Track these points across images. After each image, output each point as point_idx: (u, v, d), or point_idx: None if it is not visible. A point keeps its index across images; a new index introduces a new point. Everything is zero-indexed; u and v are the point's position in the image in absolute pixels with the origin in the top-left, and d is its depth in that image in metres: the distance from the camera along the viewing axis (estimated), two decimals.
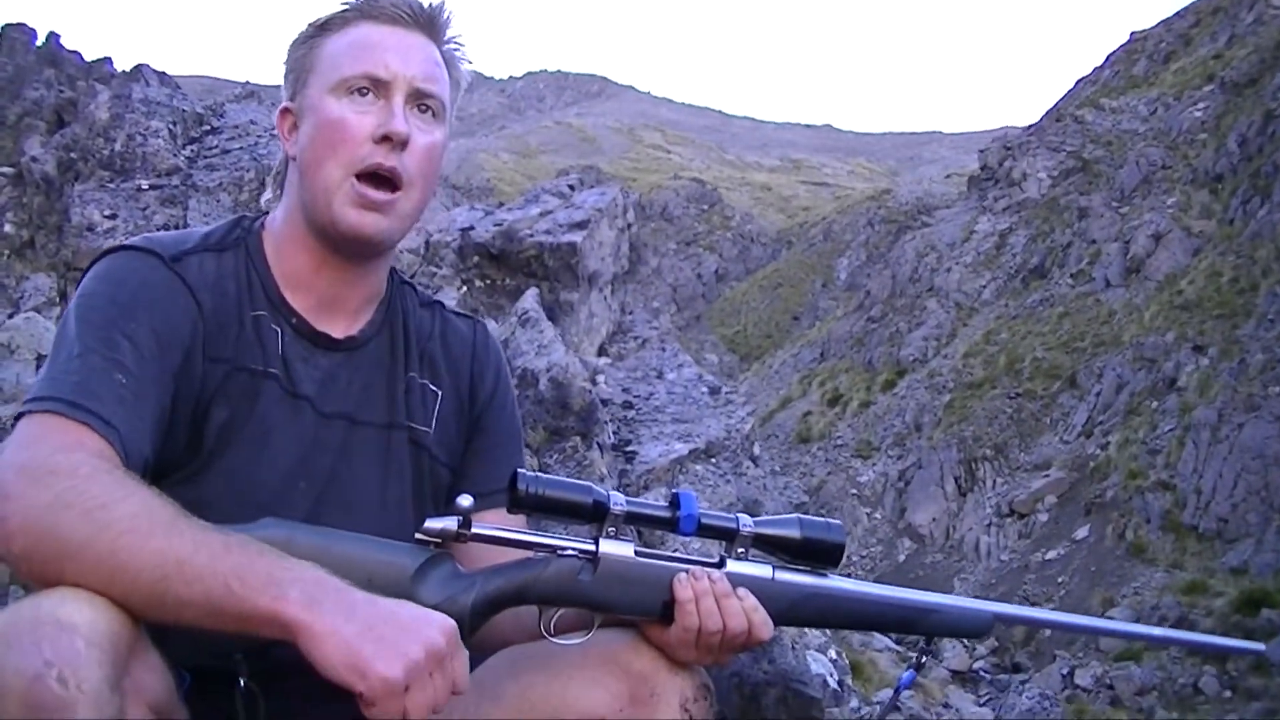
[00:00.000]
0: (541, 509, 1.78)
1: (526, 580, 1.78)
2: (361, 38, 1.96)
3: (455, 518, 1.74)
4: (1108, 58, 59.04)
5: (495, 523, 1.85)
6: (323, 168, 1.91)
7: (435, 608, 1.67)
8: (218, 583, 1.43)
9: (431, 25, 2.02)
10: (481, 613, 1.75)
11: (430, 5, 2.01)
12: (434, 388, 2.13)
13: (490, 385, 2.20)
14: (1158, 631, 2.37)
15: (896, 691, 2.28)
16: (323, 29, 1.99)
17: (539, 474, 1.79)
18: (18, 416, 1.63)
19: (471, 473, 2.14)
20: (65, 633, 1.34)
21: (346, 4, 2.00)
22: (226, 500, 1.82)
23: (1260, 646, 2.38)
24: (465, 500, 1.73)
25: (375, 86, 1.93)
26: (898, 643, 16.40)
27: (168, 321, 1.82)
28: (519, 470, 1.78)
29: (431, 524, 1.74)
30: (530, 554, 1.81)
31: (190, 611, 1.43)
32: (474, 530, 1.75)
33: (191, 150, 8.56)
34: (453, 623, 1.54)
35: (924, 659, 2.10)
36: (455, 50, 2.06)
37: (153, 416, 1.74)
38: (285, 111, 2.03)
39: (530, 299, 7.60)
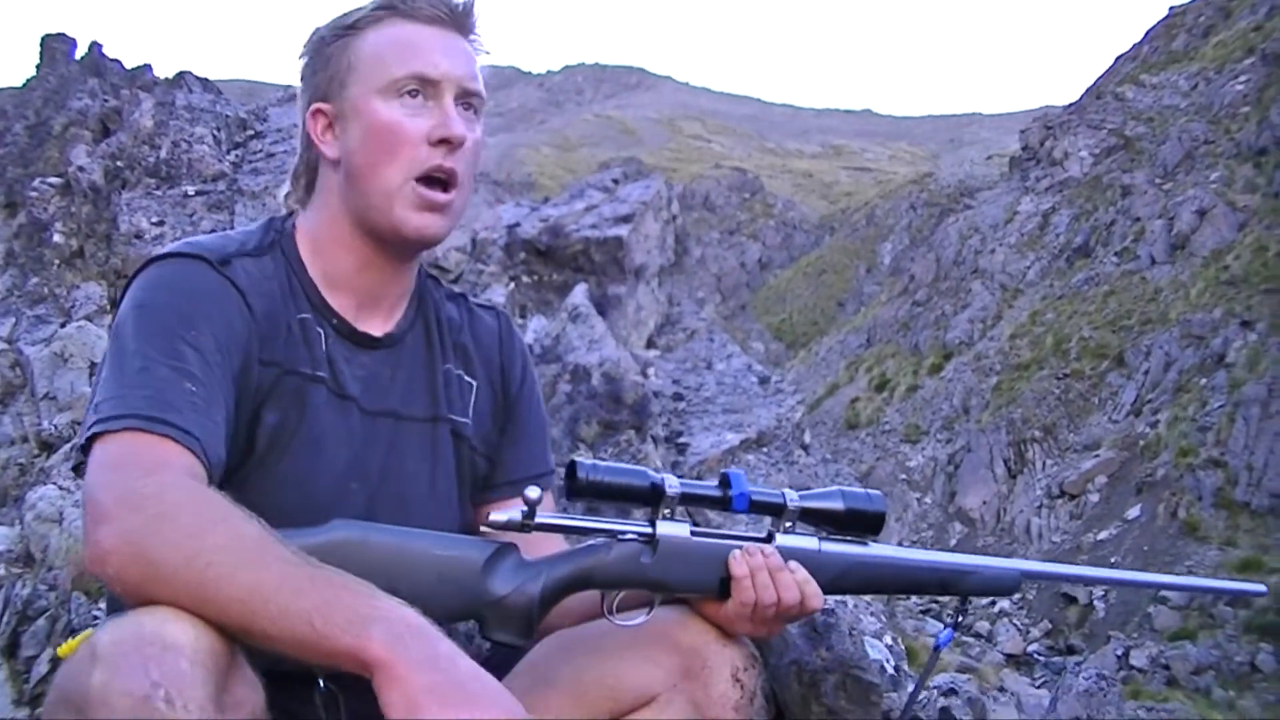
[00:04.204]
0: (600, 495, 1.80)
1: (591, 565, 1.81)
2: (405, 37, 1.94)
3: (521, 509, 1.75)
4: (1147, 33, 58.84)
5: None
6: (380, 173, 1.91)
7: (506, 597, 1.73)
8: (302, 620, 1.42)
9: (464, 23, 2.01)
10: (549, 600, 1.78)
11: (462, 4, 2.00)
12: (469, 379, 2.15)
13: (519, 374, 2.22)
14: (1168, 579, 2.46)
15: (936, 650, 2.28)
16: (353, 27, 1.97)
17: (596, 461, 1.82)
18: (91, 436, 1.61)
19: (508, 459, 2.16)
20: (170, 653, 1.35)
21: (379, 3, 1.98)
22: (282, 505, 1.81)
23: (1262, 588, 2.44)
24: (533, 491, 1.73)
25: (424, 87, 1.92)
26: (947, 626, 16.38)
27: (227, 326, 1.81)
28: (577, 460, 1.80)
29: (497, 516, 1.76)
30: (591, 540, 1.85)
31: (276, 645, 1.43)
32: (538, 520, 1.76)
33: (236, 155, 8.61)
34: (523, 711, 1.46)
35: (960, 617, 2.16)
36: (479, 48, 2.05)
37: (223, 421, 1.74)
38: (318, 112, 1.99)
39: (580, 294, 7.60)
